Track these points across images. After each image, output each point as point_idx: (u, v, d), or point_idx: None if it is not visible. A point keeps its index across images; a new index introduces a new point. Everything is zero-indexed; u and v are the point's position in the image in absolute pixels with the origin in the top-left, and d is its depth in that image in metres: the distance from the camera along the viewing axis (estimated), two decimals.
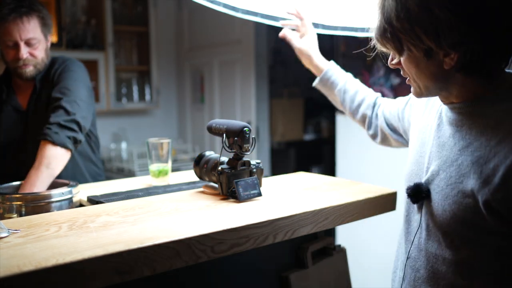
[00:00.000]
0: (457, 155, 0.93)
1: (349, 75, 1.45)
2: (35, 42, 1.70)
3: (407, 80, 0.99)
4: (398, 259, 1.11)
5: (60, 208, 1.29)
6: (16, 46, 1.68)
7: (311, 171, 4.23)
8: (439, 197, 0.95)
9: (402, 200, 1.13)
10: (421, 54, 0.89)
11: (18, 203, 1.27)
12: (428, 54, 0.88)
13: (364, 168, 2.74)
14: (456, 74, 0.90)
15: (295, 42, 1.47)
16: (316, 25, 1.57)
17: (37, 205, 1.27)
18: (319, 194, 1.30)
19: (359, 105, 1.38)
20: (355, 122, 1.42)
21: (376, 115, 1.34)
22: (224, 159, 1.31)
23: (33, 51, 1.70)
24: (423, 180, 1.00)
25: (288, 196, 1.29)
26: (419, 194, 0.99)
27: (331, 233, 1.48)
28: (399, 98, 1.31)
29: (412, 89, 0.99)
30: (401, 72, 0.98)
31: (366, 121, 1.36)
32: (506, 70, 0.93)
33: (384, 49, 0.96)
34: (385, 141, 1.34)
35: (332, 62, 1.48)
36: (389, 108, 1.31)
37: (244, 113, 3.78)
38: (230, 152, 1.28)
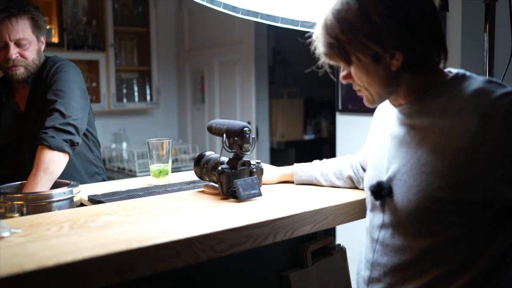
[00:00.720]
0: (416, 148, 0.98)
1: (316, 162, 1.45)
2: (26, 43, 1.68)
3: (357, 91, 1.05)
4: (361, 260, 1.13)
5: (61, 208, 1.29)
6: (6, 47, 1.67)
7: None
8: (402, 190, 0.99)
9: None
10: (369, 60, 0.96)
11: (20, 202, 1.27)
12: (375, 59, 0.95)
13: None
14: (403, 75, 0.98)
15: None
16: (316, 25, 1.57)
17: (38, 204, 1.27)
18: (319, 193, 1.31)
19: (340, 174, 1.38)
20: (346, 188, 1.39)
21: (357, 169, 1.36)
22: (224, 159, 1.32)
23: (23, 52, 1.69)
24: (384, 179, 1.04)
25: (288, 196, 1.29)
26: (380, 190, 1.03)
27: (331, 232, 1.48)
28: (357, 158, 1.36)
29: (364, 98, 1.05)
30: (353, 86, 1.04)
31: (353, 180, 1.37)
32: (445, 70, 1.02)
33: (332, 63, 1.03)
34: None
35: (294, 165, 1.46)
36: (362, 156, 1.34)
37: (244, 113, 3.79)
38: (230, 152, 1.29)
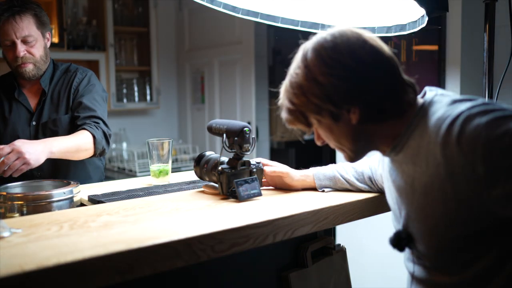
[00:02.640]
0: (411, 193, 0.97)
1: (332, 166, 1.37)
2: (32, 40, 1.72)
3: (337, 149, 1.04)
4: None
5: (61, 208, 1.30)
6: (13, 45, 1.70)
7: None
8: (419, 237, 0.98)
9: None
10: (329, 120, 0.97)
11: (20, 202, 1.27)
12: (333, 117, 0.96)
13: None
14: (368, 126, 0.97)
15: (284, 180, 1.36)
16: (316, 25, 1.58)
17: (38, 204, 1.27)
18: (319, 194, 1.31)
19: (363, 178, 1.33)
20: (370, 192, 1.33)
21: (375, 170, 1.31)
22: (224, 159, 1.32)
23: (30, 49, 1.72)
24: (401, 227, 1.03)
25: (288, 196, 1.29)
26: (400, 241, 1.02)
27: (330, 232, 1.49)
28: (373, 160, 1.30)
29: (343, 156, 1.05)
30: (331, 146, 1.04)
31: (373, 182, 1.32)
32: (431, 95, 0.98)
33: (295, 127, 1.04)
34: None
35: (311, 169, 1.38)
36: (375, 170, 1.31)
37: (244, 113, 3.79)
38: (230, 152, 1.29)
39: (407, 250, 1.06)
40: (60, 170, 1.78)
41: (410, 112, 0.97)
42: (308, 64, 0.95)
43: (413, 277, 1.05)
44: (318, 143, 1.05)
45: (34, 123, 1.80)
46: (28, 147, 1.45)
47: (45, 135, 1.77)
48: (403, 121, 0.97)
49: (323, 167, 1.38)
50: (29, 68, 1.73)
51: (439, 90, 1.00)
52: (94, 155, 1.71)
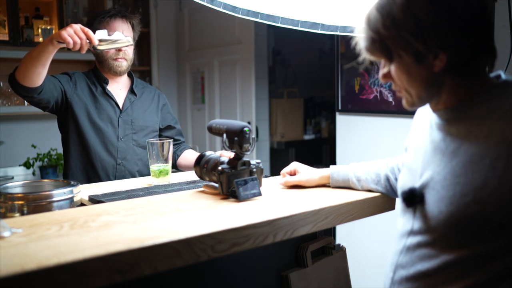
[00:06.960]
0: (450, 157, 0.95)
1: (354, 165, 1.38)
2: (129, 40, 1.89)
3: (397, 92, 1.01)
4: (388, 261, 1.11)
5: (61, 208, 1.30)
6: None
7: None
8: (434, 200, 0.96)
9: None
10: (411, 59, 0.92)
11: (20, 202, 1.28)
12: (418, 58, 0.91)
13: None
14: (446, 78, 0.93)
15: (299, 180, 1.39)
16: (316, 25, 1.58)
17: (39, 204, 1.28)
18: (319, 193, 1.31)
19: (379, 180, 1.31)
20: (383, 193, 1.32)
21: (398, 171, 1.30)
22: (224, 159, 1.32)
23: (130, 48, 1.92)
24: (417, 186, 1.01)
25: (287, 196, 1.29)
26: (413, 198, 1.00)
27: (330, 232, 1.49)
28: (393, 160, 1.30)
29: (403, 100, 1.01)
30: (392, 86, 1.01)
31: (392, 184, 1.29)
32: (501, 74, 0.97)
33: (373, 58, 0.99)
34: None
35: (330, 168, 1.40)
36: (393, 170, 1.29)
37: (244, 113, 3.79)
38: (230, 152, 1.29)
39: (406, 220, 1.05)
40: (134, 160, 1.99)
41: (486, 82, 0.95)
42: None
43: (404, 247, 1.03)
44: (383, 80, 1.01)
45: (122, 118, 1.93)
46: None
47: (133, 130, 1.95)
48: (477, 86, 0.94)
49: (340, 168, 1.37)
50: (125, 63, 1.91)
51: None
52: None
